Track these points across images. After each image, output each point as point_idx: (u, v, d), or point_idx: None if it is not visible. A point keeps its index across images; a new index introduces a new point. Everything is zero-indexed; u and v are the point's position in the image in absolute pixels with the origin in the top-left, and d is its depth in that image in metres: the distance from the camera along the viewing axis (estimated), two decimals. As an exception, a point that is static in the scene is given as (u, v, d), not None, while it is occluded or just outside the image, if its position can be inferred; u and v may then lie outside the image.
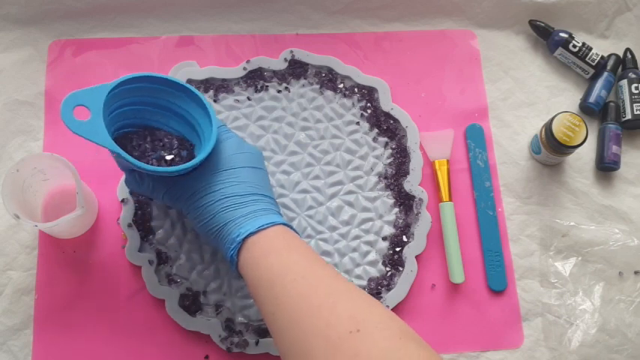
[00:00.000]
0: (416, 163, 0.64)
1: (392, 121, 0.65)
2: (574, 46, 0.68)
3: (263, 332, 0.57)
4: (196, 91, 0.51)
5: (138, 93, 0.51)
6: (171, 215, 0.60)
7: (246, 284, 0.47)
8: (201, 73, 0.65)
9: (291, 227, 0.50)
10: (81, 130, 0.46)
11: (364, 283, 0.60)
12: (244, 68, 0.66)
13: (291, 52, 0.67)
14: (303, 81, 0.66)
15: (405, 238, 0.62)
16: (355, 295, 0.43)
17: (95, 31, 0.67)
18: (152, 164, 0.50)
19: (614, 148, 0.66)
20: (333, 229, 0.62)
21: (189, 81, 0.65)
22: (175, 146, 0.52)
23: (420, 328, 0.60)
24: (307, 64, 0.67)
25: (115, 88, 0.48)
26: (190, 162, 0.48)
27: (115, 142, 0.50)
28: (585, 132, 0.61)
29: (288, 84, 0.66)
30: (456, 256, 0.61)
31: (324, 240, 0.61)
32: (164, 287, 0.58)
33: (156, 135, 0.53)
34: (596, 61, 0.68)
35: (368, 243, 0.61)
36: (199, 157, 0.49)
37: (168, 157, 0.51)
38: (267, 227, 0.47)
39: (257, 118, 0.65)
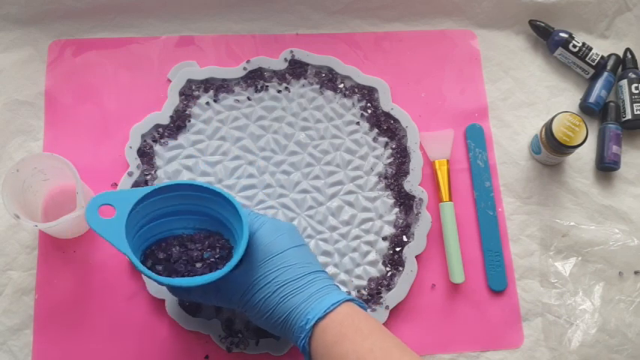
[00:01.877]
0: (416, 163, 0.64)
1: (392, 121, 0.66)
2: (574, 46, 0.68)
3: (263, 332, 0.57)
4: (223, 191, 0.49)
5: (165, 203, 0.50)
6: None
7: None
8: (201, 73, 0.65)
9: (354, 300, 0.48)
10: (102, 229, 0.45)
11: (364, 283, 0.60)
12: (244, 68, 0.66)
13: (291, 52, 0.67)
14: (303, 81, 0.66)
15: (405, 238, 0.62)
16: None
17: (95, 31, 0.67)
18: (188, 271, 0.49)
19: (614, 148, 0.66)
20: (333, 229, 0.62)
21: (190, 81, 0.65)
22: (209, 248, 0.50)
23: (420, 328, 0.60)
24: (307, 64, 0.67)
25: (145, 198, 0.47)
26: (222, 270, 0.46)
27: (147, 254, 0.50)
28: (585, 132, 0.61)
29: (288, 84, 0.66)
30: (456, 256, 0.61)
31: (324, 240, 0.61)
32: (164, 287, 0.58)
33: (188, 239, 0.51)
34: (596, 61, 0.68)
35: (368, 243, 0.61)
36: (234, 259, 0.46)
37: (206, 258, 0.50)
38: (334, 308, 0.46)
39: (257, 118, 0.65)
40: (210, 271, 0.48)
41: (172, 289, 0.52)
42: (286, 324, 0.47)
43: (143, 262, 0.49)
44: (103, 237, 0.45)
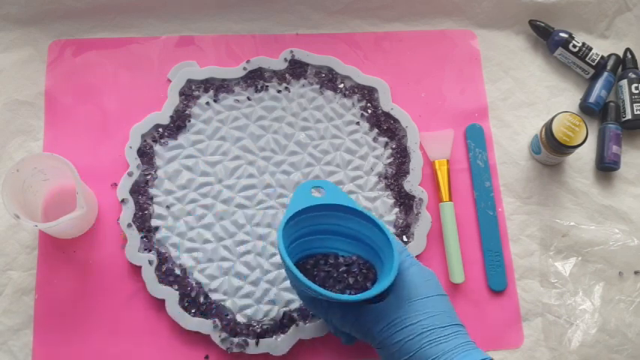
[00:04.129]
0: (416, 163, 0.64)
1: (392, 121, 0.65)
2: (574, 46, 0.68)
3: (263, 332, 0.57)
4: (375, 218, 0.49)
5: (313, 221, 0.50)
6: (171, 215, 0.60)
7: None
8: (201, 73, 0.65)
9: None
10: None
11: (364, 283, 0.60)
12: (244, 68, 0.66)
13: (291, 52, 0.67)
14: (303, 81, 0.66)
15: (405, 238, 0.62)
16: None
17: (95, 31, 0.67)
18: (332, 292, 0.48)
19: (614, 148, 0.66)
20: (333, 229, 0.62)
21: (190, 81, 0.65)
22: (355, 271, 0.50)
23: (420, 328, 0.60)
24: (307, 64, 0.67)
25: (298, 214, 0.48)
26: (371, 290, 0.45)
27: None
28: (585, 132, 0.61)
29: (288, 84, 0.66)
30: (456, 256, 0.61)
31: (324, 240, 0.61)
32: (164, 287, 0.58)
33: (334, 260, 0.51)
34: (596, 61, 0.68)
35: (368, 243, 0.61)
36: (381, 285, 0.45)
37: (350, 281, 0.49)
38: None
39: (257, 118, 0.65)
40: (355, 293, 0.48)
41: (312, 302, 0.51)
42: None
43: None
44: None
